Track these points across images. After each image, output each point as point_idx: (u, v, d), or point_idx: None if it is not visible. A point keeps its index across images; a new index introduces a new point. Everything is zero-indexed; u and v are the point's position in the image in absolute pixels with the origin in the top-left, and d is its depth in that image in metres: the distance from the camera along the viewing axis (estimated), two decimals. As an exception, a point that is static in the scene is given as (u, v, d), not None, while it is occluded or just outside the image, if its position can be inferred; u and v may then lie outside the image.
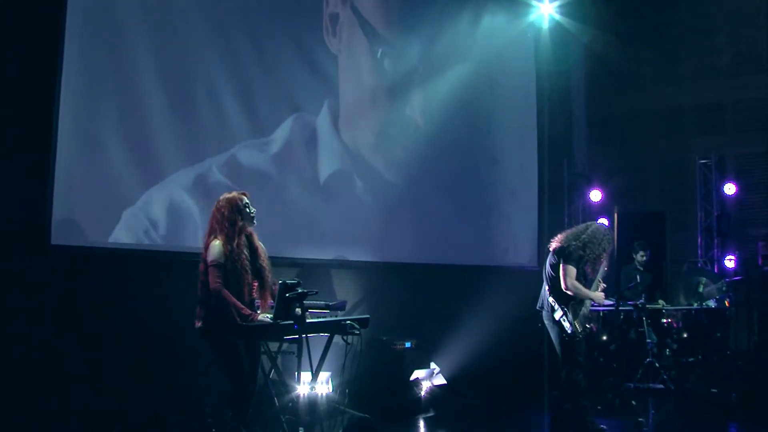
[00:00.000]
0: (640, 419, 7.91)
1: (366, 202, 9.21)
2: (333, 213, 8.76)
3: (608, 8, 12.66)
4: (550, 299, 7.28)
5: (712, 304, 10.37)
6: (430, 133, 9.98)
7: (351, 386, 5.98)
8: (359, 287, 9.10)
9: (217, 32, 7.84)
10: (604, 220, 12.15)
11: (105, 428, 6.23)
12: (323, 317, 5.90)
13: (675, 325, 10.18)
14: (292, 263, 7.96)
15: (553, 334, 7.37)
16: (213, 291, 5.34)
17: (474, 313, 9.80)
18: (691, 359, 10.05)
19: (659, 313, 10.10)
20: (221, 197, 5.67)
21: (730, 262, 11.94)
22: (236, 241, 5.47)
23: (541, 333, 7.58)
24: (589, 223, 7.65)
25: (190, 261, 6.12)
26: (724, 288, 10.45)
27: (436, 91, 10.12)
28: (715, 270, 11.96)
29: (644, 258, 10.58)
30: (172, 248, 7.21)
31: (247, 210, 5.59)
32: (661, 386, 9.35)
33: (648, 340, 9.52)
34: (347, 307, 8.11)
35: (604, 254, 7.33)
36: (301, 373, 5.36)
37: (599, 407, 8.55)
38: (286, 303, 5.19)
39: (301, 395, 5.58)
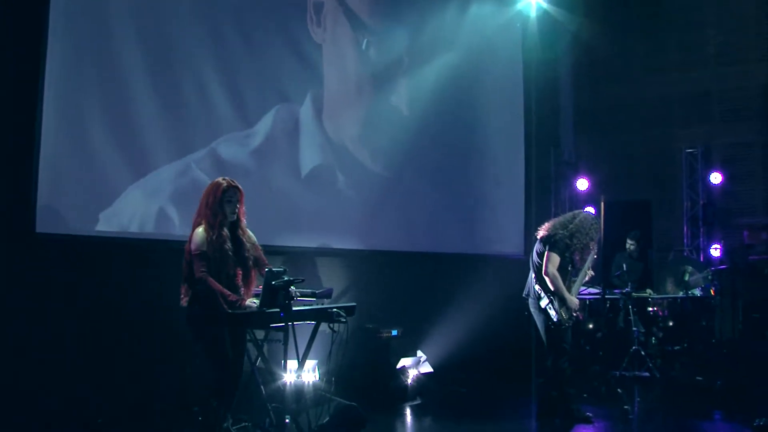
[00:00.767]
0: (625, 407, 7.94)
1: (350, 191, 9.17)
2: (318, 202, 8.74)
3: (596, -3, 12.67)
4: (537, 287, 7.30)
5: (697, 292, 10.41)
6: (416, 122, 9.94)
7: (337, 374, 5.98)
8: (346, 275, 9.09)
9: (200, 22, 7.75)
10: (590, 209, 12.18)
11: (91, 418, 6.20)
12: (309, 305, 5.88)
13: (661, 313, 10.22)
14: (279, 251, 7.93)
15: (538, 322, 7.40)
16: (198, 281, 5.31)
17: (460, 301, 9.82)
18: (676, 347, 10.09)
19: (645, 302, 10.14)
20: (211, 182, 5.61)
21: (715, 251, 11.99)
22: (218, 229, 5.39)
23: (527, 321, 7.61)
24: (576, 212, 7.67)
25: (176, 250, 6.09)
26: (709, 277, 10.50)
27: (423, 81, 10.07)
28: (701, 259, 12.02)
29: (631, 247, 10.63)
30: (157, 237, 7.18)
31: (229, 200, 5.48)
32: (646, 374, 9.39)
33: (634, 329, 9.55)
34: (333, 295, 8.11)
35: (592, 243, 7.35)
36: (288, 361, 5.35)
37: (585, 395, 8.59)
38: (272, 291, 5.17)
39: (288, 383, 5.57)
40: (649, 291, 10.28)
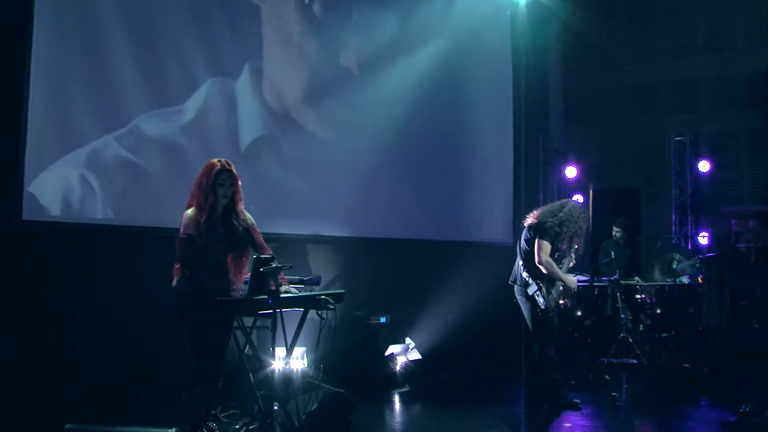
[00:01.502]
0: (613, 394, 7.96)
1: (344, 177, 9.13)
2: (310, 188, 8.70)
3: (585, -15, 12.65)
4: (524, 274, 7.33)
5: (685, 280, 10.44)
6: (404, 109, 9.90)
7: (326, 361, 5.96)
8: (334, 262, 9.08)
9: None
10: (579, 197, 12.21)
11: (78, 405, 6.17)
12: (298, 292, 5.86)
13: (648, 300, 10.25)
14: (267, 238, 7.88)
15: (525, 309, 7.44)
16: (182, 265, 5.30)
17: (449, 288, 9.82)
18: (664, 335, 10.13)
19: (633, 289, 10.17)
20: (206, 164, 5.48)
21: (703, 239, 12.04)
22: (208, 212, 5.33)
23: (516, 308, 7.62)
24: (564, 201, 7.70)
25: (163, 237, 6.07)
26: (697, 264, 10.53)
27: (411, 68, 10.03)
28: (689, 246, 12.06)
29: (617, 234, 10.64)
30: (144, 224, 7.14)
31: (222, 183, 5.39)
32: (634, 361, 9.42)
33: (622, 316, 9.58)
34: (322, 282, 8.10)
35: (581, 232, 7.38)
36: (276, 348, 5.34)
37: (573, 382, 8.61)
38: (261, 277, 5.14)
39: (276, 370, 5.56)
40: (636, 278, 10.31)
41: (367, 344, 8.55)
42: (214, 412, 6.05)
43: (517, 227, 9.46)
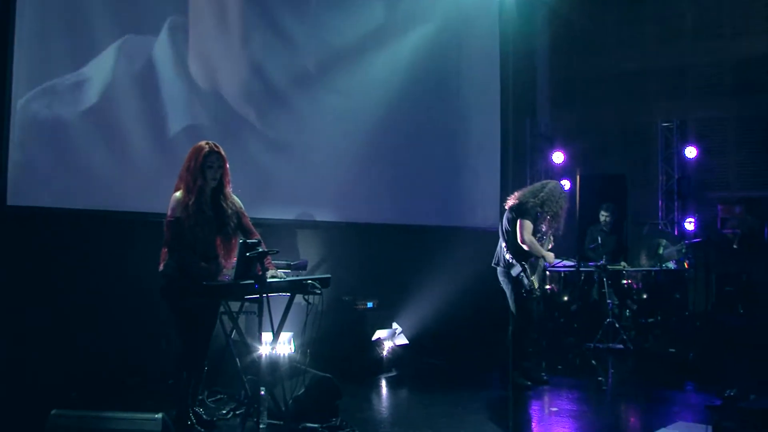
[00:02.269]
0: (599, 378, 8.00)
1: (331, 161, 9.10)
2: (297, 172, 8.67)
3: (574, -30, 12.63)
4: (507, 256, 7.39)
5: (671, 265, 10.49)
6: (391, 93, 9.84)
7: (313, 346, 5.95)
8: (321, 247, 9.06)
9: None
10: (566, 182, 12.23)
11: (64, 391, 6.15)
12: (284, 277, 5.85)
13: (635, 286, 10.29)
14: (254, 223, 7.86)
15: (507, 291, 7.50)
16: (168, 248, 5.27)
17: (436, 273, 9.82)
18: (650, 320, 10.18)
19: (620, 275, 10.20)
20: (193, 146, 5.45)
21: (690, 225, 12.09)
22: (197, 195, 5.30)
23: (503, 292, 7.65)
24: (545, 181, 7.76)
25: (150, 222, 6.04)
26: (683, 250, 10.57)
27: (398, 52, 9.97)
28: (675, 232, 12.11)
29: (605, 218, 10.66)
30: (132, 209, 7.08)
31: (210, 165, 5.35)
32: (620, 346, 9.47)
33: (608, 301, 9.62)
34: (309, 267, 8.09)
35: (562, 211, 7.42)
36: (262, 333, 5.33)
37: (560, 366, 8.67)
38: (247, 262, 5.13)
39: (263, 355, 5.55)
40: (623, 263, 10.34)
41: (354, 329, 8.55)
42: (200, 397, 6.05)
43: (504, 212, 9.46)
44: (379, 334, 8.61)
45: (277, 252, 5.42)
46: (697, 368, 8.51)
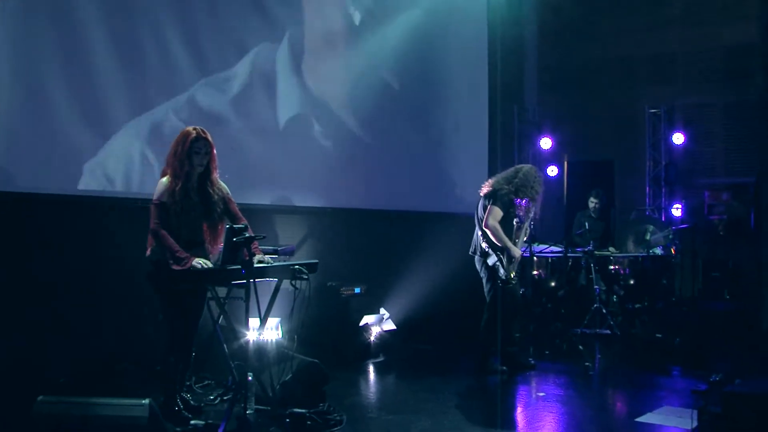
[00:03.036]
0: (586, 363, 8.05)
1: (319, 147, 9.07)
2: (284, 157, 8.63)
3: (562, -45, 12.60)
4: (484, 244, 7.39)
5: (658, 251, 10.52)
6: (380, 79, 9.84)
7: (300, 332, 5.95)
8: (308, 233, 9.04)
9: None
10: (554, 168, 12.26)
11: (51, 377, 6.14)
12: (272, 262, 5.84)
13: (622, 271, 10.32)
14: (240, 208, 7.84)
15: (483, 280, 7.52)
16: (151, 231, 5.25)
17: (424, 259, 9.83)
18: (637, 305, 10.21)
19: (607, 260, 10.23)
20: (181, 131, 5.44)
21: (677, 211, 12.12)
22: (183, 180, 5.29)
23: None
24: (519, 166, 7.71)
25: (138, 207, 6.01)
26: (670, 236, 10.59)
27: (387, 37, 9.94)
28: (663, 218, 12.14)
29: (594, 205, 10.69)
30: (119, 194, 7.05)
31: (197, 151, 5.33)
32: (607, 331, 9.50)
33: (595, 287, 9.64)
34: (296, 252, 8.08)
35: (537, 196, 7.43)
36: (250, 318, 5.32)
37: (547, 352, 8.70)
38: (234, 248, 5.11)
39: (250, 341, 5.55)
40: (611, 249, 10.37)
41: (342, 314, 8.55)
42: (188, 382, 6.05)
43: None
44: (367, 319, 8.62)
45: (264, 237, 5.41)
46: (683, 353, 8.55)
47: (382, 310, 8.94)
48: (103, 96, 6.94)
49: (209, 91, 7.85)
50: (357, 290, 8.80)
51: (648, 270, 10.28)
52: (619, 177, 12.94)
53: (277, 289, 5.68)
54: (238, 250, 5.10)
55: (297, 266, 5.43)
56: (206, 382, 6.56)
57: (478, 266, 7.62)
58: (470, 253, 7.67)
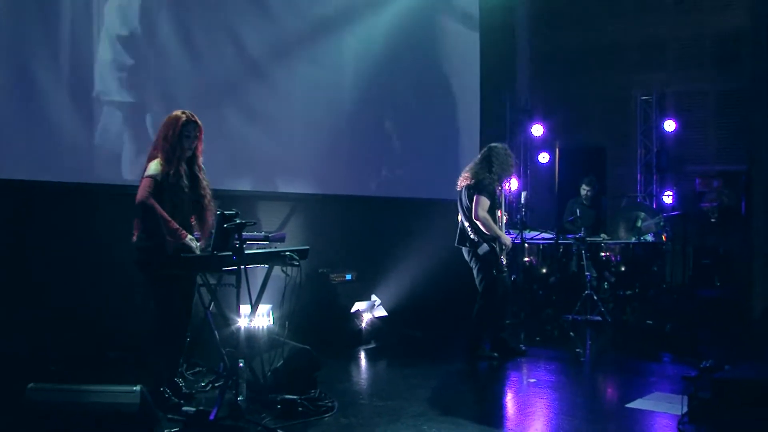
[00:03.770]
0: (577, 350, 8.07)
1: (308, 132, 9.02)
2: (270, 142, 8.59)
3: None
4: (473, 235, 7.40)
5: (649, 238, 10.53)
6: (370, 67, 9.79)
7: (291, 318, 5.94)
8: (299, 219, 9.02)
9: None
10: (545, 155, 12.26)
11: (41, 365, 6.11)
12: (262, 248, 5.83)
13: (613, 258, 10.32)
14: (231, 195, 7.82)
15: (474, 270, 7.53)
16: (139, 202, 5.17)
17: (415, 245, 9.83)
18: (628, 292, 10.23)
19: (598, 247, 10.24)
20: (169, 115, 5.42)
21: (668, 198, 12.14)
22: (176, 164, 5.28)
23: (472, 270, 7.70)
24: (488, 150, 7.70)
25: (124, 194, 5.97)
26: (661, 223, 10.60)
27: (376, 25, 9.89)
28: (654, 205, 12.15)
29: (586, 192, 10.69)
30: (103, 181, 7.00)
31: (188, 135, 5.32)
32: (598, 318, 9.52)
33: (587, 273, 9.65)
34: (287, 239, 8.05)
35: (510, 169, 7.51)
36: (241, 305, 5.31)
37: (538, 338, 8.72)
38: (224, 234, 5.09)
39: (241, 328, 5.54)
40: (603, 235, 10.37)
41: (333, 301, 8.55)
42: (179, 369, 6.03)
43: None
44: (358, 305, 8.62)
45: (254, 223, 5.41)
46: (673, 340, 8.58)
47: (374, 297, 8.94)
48: (91, 82, 6.90)
49: (197, 76, 7.81)
50: (348, 277, 8.81)
51: (639, 257, 10.29)
52: (611, 164, 12.95)
53: (268, 276, 5.67)
54: (228, 237, 5.08)
55: (288, 252, 5.42)
56: (198, 369, 6.55)
57: (467, 257, 7.64)
58: (457, 245, 7.69)
